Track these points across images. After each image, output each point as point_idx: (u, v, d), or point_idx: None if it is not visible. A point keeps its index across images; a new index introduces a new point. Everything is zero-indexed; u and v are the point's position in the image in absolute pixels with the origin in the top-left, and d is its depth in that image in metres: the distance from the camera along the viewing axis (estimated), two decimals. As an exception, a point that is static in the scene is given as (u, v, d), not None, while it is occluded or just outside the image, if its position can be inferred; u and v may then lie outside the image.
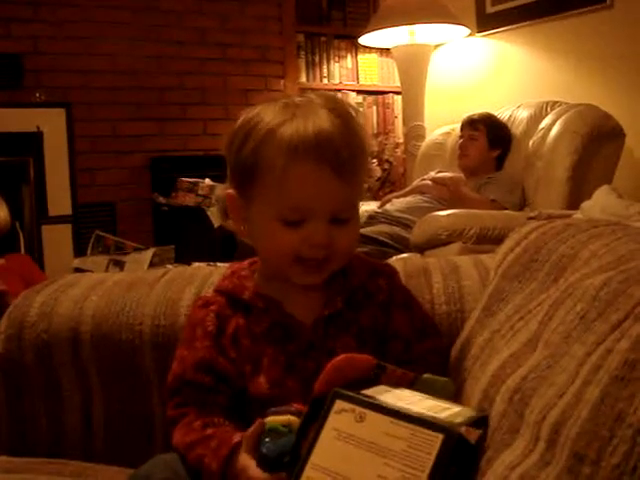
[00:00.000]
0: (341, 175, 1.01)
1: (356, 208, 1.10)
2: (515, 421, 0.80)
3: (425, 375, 0.98)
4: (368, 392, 0.89)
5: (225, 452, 0.97)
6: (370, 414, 0.84)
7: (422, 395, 0.91)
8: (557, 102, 3.55)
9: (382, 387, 0.92)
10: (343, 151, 1.01)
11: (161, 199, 4.08)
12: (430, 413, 0.84)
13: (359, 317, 1.09)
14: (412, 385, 0.96)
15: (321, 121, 1.02)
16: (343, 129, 1.03)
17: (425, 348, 1.12)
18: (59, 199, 3.94)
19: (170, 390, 1.09)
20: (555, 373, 0.76)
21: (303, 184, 1.01)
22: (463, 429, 0.81)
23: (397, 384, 0.94)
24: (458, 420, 0.83)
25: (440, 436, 0.79)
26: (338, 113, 1.05)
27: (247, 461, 0.94)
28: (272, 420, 0.95)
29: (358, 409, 0.85)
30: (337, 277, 1.12)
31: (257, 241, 1.10)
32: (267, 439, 0.94)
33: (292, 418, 0.95)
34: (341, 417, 0.85)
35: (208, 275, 1.37)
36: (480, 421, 0.87)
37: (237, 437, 0.98)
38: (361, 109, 4.89)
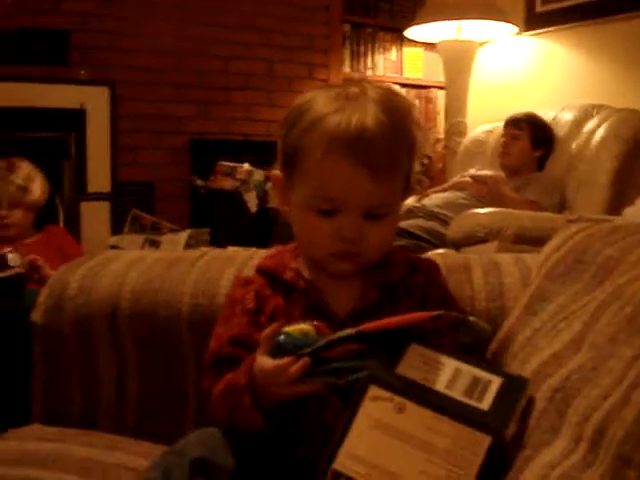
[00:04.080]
0: (376, 175, 1.02)
1: (393, 206, 1.08)
2: (556, 420, 0.79)
3: (471, 317, 0.98)
4: (403, 368, 0.88)
5: (250, 362, 0.99)
6: (411, 405, 0.83)
7: (457, 362, 0.89)
8: (602, 106, 3.51)
9: (415, 352, 0.91)
10: (382, 153, 1.02)
11: (199, 182, 4.09)
12: (473, 403, 0.83)
13: (395, 312, 1.08)
14: (457, 327, 0.95)
15: (367, 118, 1.02)
16: (388, 129, 1.03)
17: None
18: (99, 176, 3.96)
19: (206, 365, 1.10)
20: (600, 375, 0.75)
21: (337, 177, 1.02)
22: (510, 430, 0.80)
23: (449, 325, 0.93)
24: (503, 413, 0.82)
25: (488, 438, 0.78)
26: (389, 110, 1.05)
27: (260, 357, 0.97)
28: (288, 328, 0.96)
29: (397, 398, 0.84)
30: (377, 270, 1.11)
31: (295, 226, 1.12)
32: (282, 336, 0.95)
33: (309, 327, 0.96)
34: (378, 405, 0.84)
35: (248, 258, 1.37)
36: (517, 387, 0.86)
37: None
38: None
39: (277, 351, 0.95)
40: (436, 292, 1.14)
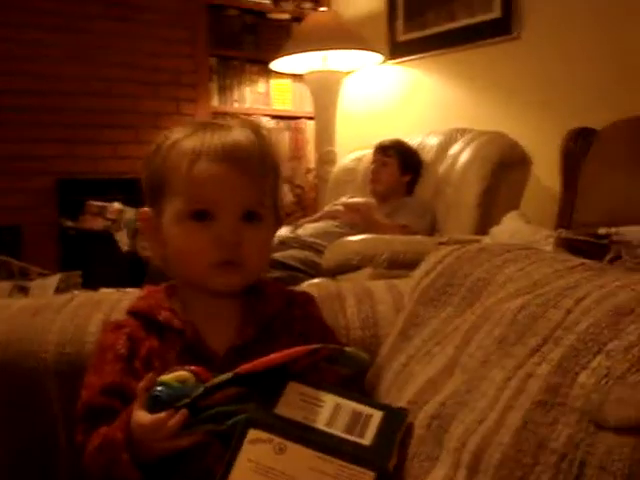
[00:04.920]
0: (247, 171, 1.04)
1: (267, 211, 1.08)
2: (434, 448, 0.79)
3: (348, 348, 0.97)
4: (282, 408, 0.86)
5: (127, 416, 0.95)
6: (291, 446, 0.81)
7: (337, 398, 0.88)
8: (466, 129, 3.61)
9: (294, 390, 0.89)
10: (250, 153, 1.05)
11: (68, 223, 3.97)
12: (355, 439, 0.81)
13: (274, 347, 1.06)
14: (335, 359, 0.94)
15: (229, 132, 1.06)
16: (253, 138, 1.07)
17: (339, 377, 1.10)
18: (-40, 222, 3.80)
19: (79, 417, 1.05)
20: (474, 398, 0.75)
21: (207, 179, 1.03)
22: (392, 461, 0.79)
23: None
24: (385, 447, 0.81)
25: (371, 474, 0.77)
26: (250, 127, 1.09)
27: (137, 411, 0.94)
28: (165, 376, 0.92)
29: (277, 439, 0.82)
30: (253, 305, 1.10)
31: (172, 254, 1.09)
32: (159, 387, 0.92)
33: (187, 375, 0.92)
34: (258, 447, 0.82)
35: (117, 301, 1.32)
36: (397, 419, 0.86)
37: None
38: (273, 134, 4.88)
39: (154, 404, 0.92)
40: (314, 325, 1.13)
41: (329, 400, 0.87)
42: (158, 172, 1.07)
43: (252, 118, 4.70)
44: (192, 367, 0.94)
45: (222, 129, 1.07)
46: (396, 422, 0.86)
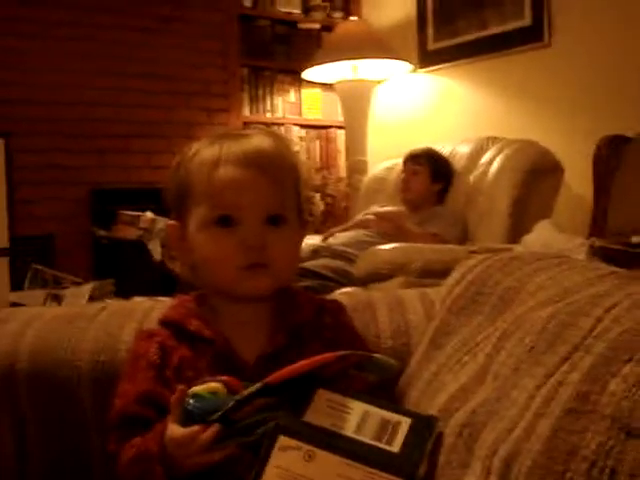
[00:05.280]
0: (268, 175, 1.05)
1: (291, 214, 1.09)
2: (465, 456, 0.79)
3: (376, 355, 0.97)
4: (311, 415, 0.86)
5: (161, 429, 0.96)
6: (320, 453, 0.81)
7: (365, 405, 0.88)
8: (497, 138, 3.60)
9: (323, 398, 0.89)
10: (270, 157, 1.06)
11: (101, 232, 4.01)
12: (383, 446, 0.82)
13: (304, 355, 1.07)
14: (363, 366, 0.94)
15: (248, 139, 1.08)
16: (272, 143, 1.09)
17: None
18: (-4, 231, 3.85)
19: (111, 426, 1.06)
20: (505, 406, 0.75)
21: (229, 182, 1.05)
22: (422, 469, 0.80)
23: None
24: (414, 454, 0.81)
25: None
26: (268, 134, 1.11)
27: (170, 425, 0.94)
28: (197, 388, 0.93)
29: (305, 447, 0.82)
30: (283, 313, 1.10)
31: (199, 261, 1.10)
32: (192, 400, 0.92)
33: (218, 386, 0.93)
34: (287, 455, 0.82)
35: (149, 309, 1.34)
36: (427, 426, 0.86)
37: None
38: (304, 143, 4.90)
39: (187, 418, 0.92)
40: (344, 333, 1.13)
41: (357, 407, 0.88)
42: (181, 184, 1.10)
43: (283, 128, 4.73)
44: (223, 377, 0.95)
45: (241, 137, 1.10)
46: (425, 429, 0.86)
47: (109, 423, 1.07)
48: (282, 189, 1.07)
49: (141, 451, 0.98)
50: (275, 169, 1.06)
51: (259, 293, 1.08)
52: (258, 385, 0.88)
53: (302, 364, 0.90)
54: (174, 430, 0.94)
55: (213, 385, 0.93)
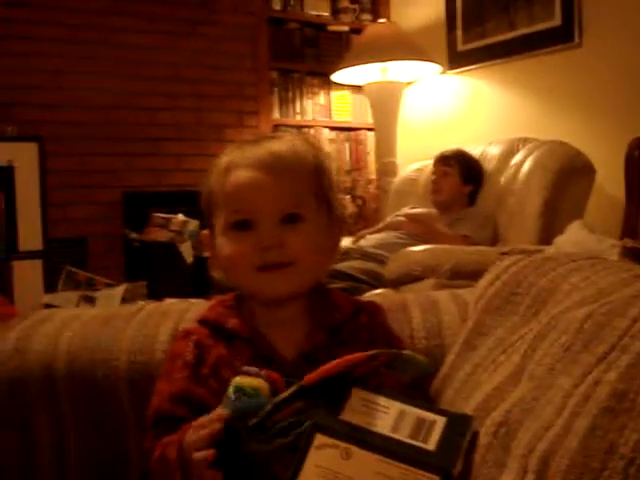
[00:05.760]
0: (279, 175, 1.06)
1: (309, 210, 1.09)
2: (501, 455, 0.79)
3: (406, 351, 0.97)
4: (347, 414, 0.87)
5: (182, 435, 0.95)
6: (357, 451, 0.82)
7: (400, 404, 0.89)
8: (528, 139, 3.58)
9: (358, 397, 0.90)
10: (282, 157, 1.07)
11: (133, 235, 4.04)
12: (419, 444, 0.82)
13: (342, 354, 1.07)
14: (393, 364, 0.94)
15: (267, 144, 1.10)
16: (290, 146, 1.10)
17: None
18: (30, 234, 3.88)
19: (148, 423, 1.08)
20: (541, 405, 0.76)
21: (240, 185, 1.07)
22: (458, 467, 0.80)
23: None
24: (450, 452, 0.82)
25: (436, 478, 0.78)
26: (295, 139, 1.13)
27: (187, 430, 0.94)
28: (241, 380, 0.93)
29: (342, 445, 0.83)
30: (321, 312, 1.11)
31: (223, 266, 1.13)
32: (233, 396, 0.92)
33: (262, 383, 0.93)
34: (324, 453, 0.83)
35: (184, 310, 1.35)
36: (462, 425, 0.87)
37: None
38: (334, 145, 4.91)
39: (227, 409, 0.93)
40: (380, 334, 1.14)
41: (392, 406, 0.88)
42: (207, 191, 1.14)
43: (313, 130, 4.74)
44: (267, 371, 0.95)
45: (262, 141, 1.12)
46: (460, 428, 0.86)
47: (146, 421, 1.09)
48: (297, 188, 1.07)
49: (164, 453, 0.99)
50: (288, 169, 1.07)
51: (280, 293, 1.09)
52: (294, 387, 0.89)
53: (335, 364, 0.91)
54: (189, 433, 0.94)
55: (255, 382, 0.93)
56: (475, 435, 0.87)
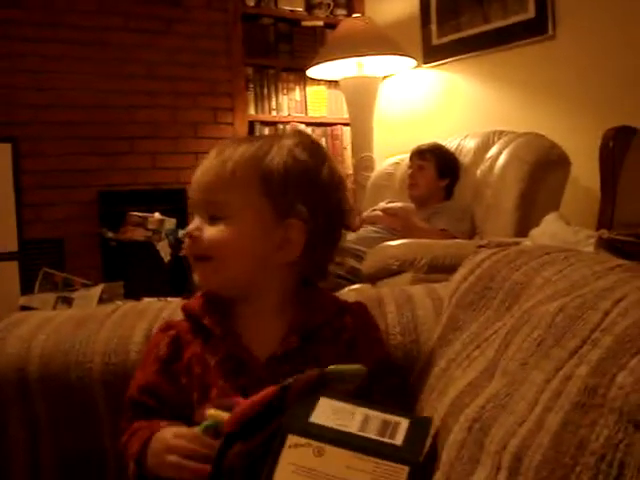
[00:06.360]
0: (216, 175, 1.08)
1: (236, 215, 1.08)
2: (475, 451, 0.79)
3: (330, 367, 0.95)
4: (316, 418, 0.88)
5: (147, 434, 1.02)
6: (329, 448, 0.83)
7: (366, 409, 0.90)
8: (503, 132, 3.59)
9: (326, 405, 0.90)
10: (228, 159, 1.09)
11: (110, 234, 4.02)
12: (387, 440, 0.84)
13: (320, 354, 1.07)
14: (326, 382, 0.94)
15: (234, 147, 1.11)
16: (251, 147, 1.10)
17: (385, 386, 1.10)
18: (5, 235, 3.86)
19: (125, 405, 1.12)
20: (514, 401, 0.76)
21: (193, 179, 1.12)
22: (424, 459, 0.81)
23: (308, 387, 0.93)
24: (416, 446, 0.83)
25: (406, 468, 0.79)
26: (269, 139, 1.13)
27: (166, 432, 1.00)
28: (215, 414, 0.95)
29: (315, 443, 0.84)
30: (301, 312, 1.10)
31: None
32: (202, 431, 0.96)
33: (224, 418, 0.93)
34: (297, 451, 0.84)
35: (159, 310, 1.35)
36: (424, 425, 0.89)
37: (164, 424, 1.03)
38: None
39: None
40: (363, 336, 1.12)
41: (358, 411, 0.90)
42: None
43: (289, 126, 4.73)
44: (239, 400, 0.95)
45: (243, 142, 1.13)
46: (423, 428, 0.89)
47: (124, 402, 1.12)
48: (228, 188, 1.08)
49: (125, 441, 1.06)
50: (220, 170, 1.08)
51: (203, 285, 1.14)
52: (221, 440, 0.90)
53: (249, 407, 0.91)
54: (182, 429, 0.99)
55: (220, 417, 0.94)
56: (436, 434, 0.90)
